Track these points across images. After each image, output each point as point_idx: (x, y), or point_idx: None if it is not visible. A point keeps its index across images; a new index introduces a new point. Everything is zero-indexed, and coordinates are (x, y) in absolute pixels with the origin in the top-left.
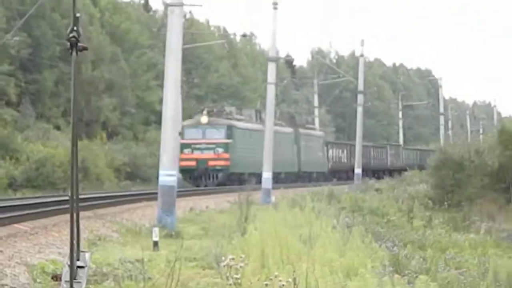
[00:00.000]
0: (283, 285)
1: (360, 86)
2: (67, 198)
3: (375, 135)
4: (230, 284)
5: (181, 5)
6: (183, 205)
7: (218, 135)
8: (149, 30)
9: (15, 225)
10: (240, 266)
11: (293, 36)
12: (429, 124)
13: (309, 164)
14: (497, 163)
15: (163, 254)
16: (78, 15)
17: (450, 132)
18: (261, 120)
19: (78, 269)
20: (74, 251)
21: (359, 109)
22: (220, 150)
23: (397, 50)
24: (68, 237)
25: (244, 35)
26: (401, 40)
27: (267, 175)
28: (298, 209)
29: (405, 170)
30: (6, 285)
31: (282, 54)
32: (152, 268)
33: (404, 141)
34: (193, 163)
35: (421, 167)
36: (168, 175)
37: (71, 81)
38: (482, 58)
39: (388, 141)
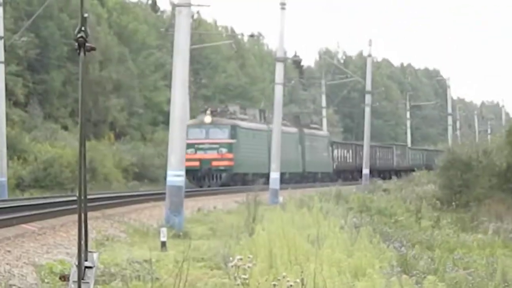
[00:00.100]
0: (291, 285)
1: (368, 86)
2: (75, 198)
3: (383, 135)
4: (238, 285)
5: (188, 5)
6: (191, 206)
7: (221, 135)
8: (157, 30)
9: (23, 225)
10: (248, 267)
11: (301, 36)
12: (437, 125)
13: (313, 164)
14: (505, 163)
15: (171, 254)
16: (86, 15)
17: (458, 132)
18: (265, 120)
19: (86, 269)
20: (82, 251)
21: (367, 109)
22: (224, 150)
23: (405, 50)
24: (76, 237)
25: (251, 35)
26: (409, 40)
27: (275, 176)
28: (306, 209)
29: (411, 170)
30: (14, 285)
31: (290, 54)
32: (160, 269)
33: (412, 141)
34: (197, 164)
35: (427, 168)
36: (176, 176)
37: (78, 81)
38: (490, 58)
39: (396, 141)
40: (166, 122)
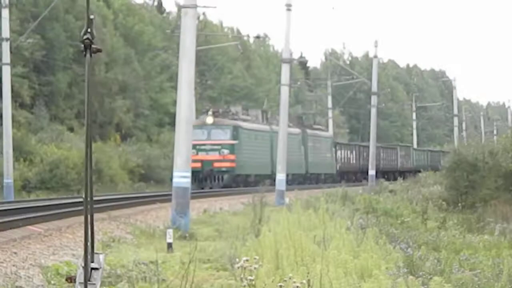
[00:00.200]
0: (297, 286)
1: (374, 88)
2: (81, 199)
3: (389, 136)
4: (244, 286)
5: (194, 6)
6: (197, 207)
7: (223, 136)
8: (163, 32)
9: (29, 227)
10: (254, 268)
11: (307, 37)
12: (442, 126)
13: (316, 165)
14: (511, 164)
15: (177, 255)
16: (92, 17)
17: (464, 133)
18: (268, 121)
19: (92, 270)
20: (88, 253)
21: (373, 111)
22: (226, 151)
23: (411, 51)
24: (82, 238)
25: (257, 37)
26: (415, 41)
27: (281, 177)
28: (312, 210)
29: (416, 171)
30: (21, 286)
31: (296, 56)
32: (166, 270)
33: (418, 143)
34: (198, 165)
35: (432, 169)
36: (182, 177)
37: (84, 83)
38: (497, 59)
39: (401, 142)
40: (172, 124)
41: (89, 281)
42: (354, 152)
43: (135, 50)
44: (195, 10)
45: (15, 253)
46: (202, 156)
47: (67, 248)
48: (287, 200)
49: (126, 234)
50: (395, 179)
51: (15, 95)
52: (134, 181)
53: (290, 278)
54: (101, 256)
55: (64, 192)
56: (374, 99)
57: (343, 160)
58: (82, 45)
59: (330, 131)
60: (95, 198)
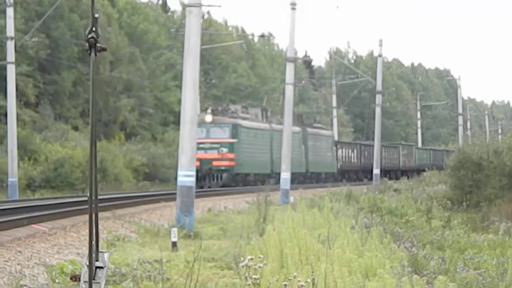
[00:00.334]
0: (302, 285)
1: (378, 86)
2: (85, 198)
3: (393, 135)
4: (249, 285)
5: (199, 5)
6: (201, 206)
7: (222, 134)
8: (167, 30)
9: (34, 225)
10: (259, 267)
11: (311, 36)
12: (447, 125)
13: (317, 164)
14: None
15: (181, 254)
16: (96, 15)
17: (468, 132)
18: (267, 119)
19: (97, 269)
20: (93, 252)
21: (377, 110)
22: (225, 149)
23: (416, 50)
24: (87, 237)
25: (262, 36)
26: (419, 40)
27: (285, 176)
28: (316, 209)
29: (418, 171)
30: (25, 285)
31: (300, 54)
32: (171, 269)
33: (422, 142)
34: (197, 163)
35: (435, 168)
36: (187, 176)
37: (89, 81)
38: (501, 57)
39: (406, 141)
40: (177, 122)
41: (93, 279)
42: (355, 151)
43: (139, 49)
44: (199, 9)
45: (19, 251)
46: (200, 154)
47: (71, 247)
48: (291, 199)
49: (130, 233)
50: (397, 178)
51: (19, 94)
52: (139, 180)
53: (294, 277)
54: (106, 255)
55: (69, 191)
56: (378, 98)
57: (344, 159)
58: (87, 44)
59: (335, 130)
60: (99, 197)
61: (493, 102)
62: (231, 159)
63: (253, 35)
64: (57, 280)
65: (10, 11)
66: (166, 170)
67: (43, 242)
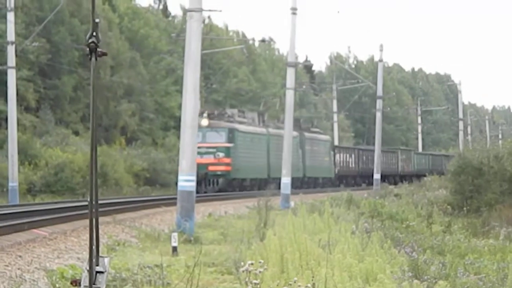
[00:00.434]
0: None
1: (379, 91)
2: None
3: (394, 140)
4: None
5: (200, 10)
6: (202, 210)
7: (219, 139)
8: (168, 35)
9: (34, 230)
10: (259, 271)
11: (312, 41)
12: (448, 130)
13: (314, 169)
14: None
15: (182, 259)
16: (97, 20)
17: (469, 137)
18: (264, 124)
19: (97, 274)
20: (93, 256)
21: (378, 114)
22: (221, 154)
23: (416, 55)
24: (87, 242)
25: (263, 40)
26: (420, 45)
27: (286, 180)
28: (317, 214)
29: (417, 176)
30: None
31: (301, 59)
32: (171, 274)
33: (423, 147)
34: None
35: (433, 173)
36: (187, 180)
37: (90, 86)
38: (502, 62)
39: (407, 146)
40: (177, 127)
41: (94, 284)
42: (353, 156)
43: (140, 53)
44: (200, 14)
45: (20, 256)
46: (196, 159)
47: (72, 252)
48: (292, 203)
49: (131, 238)
50: (395, 183)
51: (20, 98)
52: (139, 185)
53: (295, 282)
54: (106, 260)
55: (69, 196)
56: (379, 103)
57: (341, 164)
58: (88, 49)
59: (335, 135)
60: (100, 202)
61: (494, 107)
62: (227, 164)
63: (253, 40)
64: (57, 285)
65: (10, 16)
66: (167, 175)
67: (44, 247)
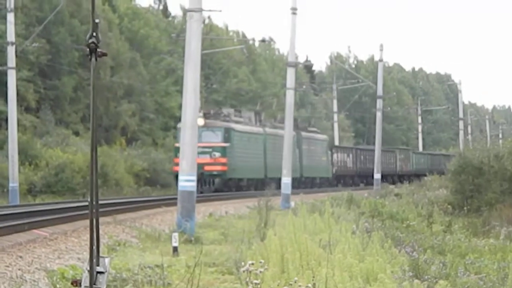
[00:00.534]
0: None
1: (379, 91)
2: (86, 203)
3: (394, 140)
4: None
5: (200, 10)
6: (202, 211)
7: (215, 138)
8: (168, 35)
9: (35, 230)
10: (260, 271)
11: (312, 41)
12: (448, 129)
13: (311, 169)
14: None
15: (182, 259)
16: (97, 21)
17: (469, 137)
18: (261, 123)
19: (98, 274)
20: (94, 257)
21: (378, 114)
22: (217, 154)
23: (416, 55)
24: (88, 242)
25: (263, 40)
26: (420, 45)
27: (286, 180)
28: (317, 214)
29: (416, 175)
30: None
31: (301, 59)
32: (172, 274)
33: (423, 146)
34: None
35: (432, 173)
36: (188, 180)
37: (90, 86)
38: (502, 62)
39: (407, 146)
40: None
41: (94, 284)
42: (350, 156)
43: (140, 54)
44: (200, 14)
45: (20, 257)
46: None
47: (72, 252)
48: (292, 204)
49: (131, 238)
50: (393, 183)
51: (20, 99)
52: (140, 185)
53: (295, 282)
54: (107, 260)
55: (70, 196)
56: (379, 103)
57: (339, 164)
58: (88, 49)
59: (336, 135)
60: (100, 202)
61: (494, 107)
62: (223, 164)
63: (254, 40)
64: (58, 285)
65: (10, 17)
66: (167, 175)
67: (44, 247)
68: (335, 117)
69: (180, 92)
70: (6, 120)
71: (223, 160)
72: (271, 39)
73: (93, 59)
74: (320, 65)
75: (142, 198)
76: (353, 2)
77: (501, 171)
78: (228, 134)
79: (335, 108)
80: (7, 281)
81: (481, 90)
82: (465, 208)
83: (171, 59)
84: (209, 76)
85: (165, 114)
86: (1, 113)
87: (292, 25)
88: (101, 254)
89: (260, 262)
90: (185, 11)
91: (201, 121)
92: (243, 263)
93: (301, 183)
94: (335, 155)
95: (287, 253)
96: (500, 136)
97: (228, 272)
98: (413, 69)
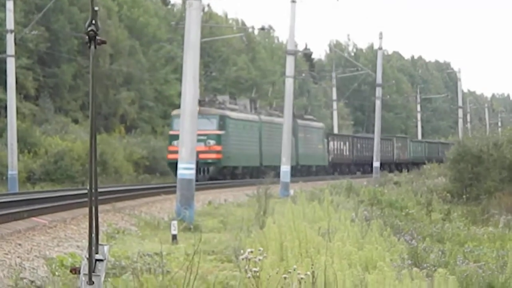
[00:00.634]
0: (301, 278)
1: (379, 79)
2: (85, 191)
3: (394, 128)
4: (249, 277)
5: None
6: (201, 198)
7: (209, 126)
8: (168, 23)
9: (34, 218)
10: (259, 259)
11: (311, 29)
12: (447, 117)
13: (307, 157)
14: None
15: (181, 247)
16: (96, 8)
17: (468, 125)
18: (256, 110)
19: (97, 262)
20: (93, 244)
21: (377, 102)
22: (212, 142)
23: (416, 43)
24: (87, 230)
25: (262, 28)
26: (419, 33)
27: (285, 169)
28: (316, 202)
29: (413, 164)
30: (25, 278)
31: (300, 47)
32: (171, 262)
33: (422, 134)
34: None
35: (430, 161)
36: (187, 168)
37: (89, 74)
38: (501, 50)
39: (406, 134)
40: None
41: (93, 272)
42: (347, 144)
43: (139, 42)
44: (199, 2)
45: (19, 244)
46: None
47: (71, 240)
48: (291, 192)
49: (130, 226)
50: (391, 171)
51: (19, 87)
52: (139, 173)
53: (294, 270)
54: (106, 248)
55: (69, 184)
56: (378, 91)
57: (335, 152)
58: (87, 37)
59: (335, 123)
60: (99, 190)
61: (493, 95)
62: (218, 152)
63: (253, 28)
64: (57, 273)
65: (10, 4)
66: (166, 163)
67: (43, 235)
68: (334, 105)
69: (180, 80)
70: (5, 108)
71: (218, 148)
72: (271, 27)
73: (92, 46)
74: (319, 53)
75: (141, 186)
76: None
77: (500, 159)
78: (223, 122)
79: (334, 96)
80: (6, 269)
81: (481, 78)
82: (464, 196)
83: (170, 47)
84: (208, 64)
85: (164, 102)
86: (0, 101)
87: (292, 13)
88: (100, 242)
89: (259, 250)
90: None
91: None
92: (242, 251)
93: (297, 171)
94: (331, 143)
95: (286, 241)
96: (499, 124)
97: (227, 260)
98: (412, 57)
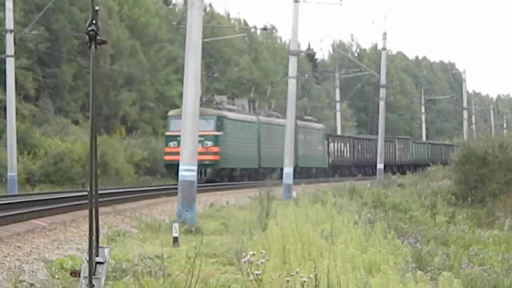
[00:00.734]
0: (304, 281)
1: (382, 80)
2: (85, 193)
3: (398, 129)
4: (251, 280)
5: None
6: (203, 201)
7: (207, 127)
8: (169, 23)
9: (33, 220)
10: (261, 262)
11: (315, 29)
12: (452, 119)
13: (307, 159)
14: None
15: (183, 250)
16: (97, 8)
17: (473, 126)
18: (255, 111)
19: (97, 265)
20: (93, 247)
21: (381, 103)
22: (209, 143)
23: (420, 43)
24: (87, 232)
25: (264, 28)
26: (424, 33)
27: (288, 170)
28: (319, 204)
29: (415, 166)
30: (24, 281)
31: (303, 48)
32: (172, 264)
33: (427, 136)
34: (179, 158)
35: (433, 163)
36: (188, 170)
37: (89, 75)
38: (507, 51)
39: (410, 135)
40: None
41: (93, 275)
42: (348, 145)
43: (140, 42)
44: (201, 2)
45: (19, 247)
46: None
47: (71, 242)
48: (294, 194)
49: (131, 228)
50: (393, 173)
51: (19, 87)
52: (140, 175)
53: (297, 273)
54: (106, 250)
55: (69, 186)
56: (382, 92)
57: (336, 153)
58: (87, 37)
59: (338, 124)
60: (100, 192)
61: (499, 96)
62: (215, 153)
63: (255, 28)
64: (56, 276)
65: (9, 4)
66: None
67: (43, 237)
68: (338, 106)
69: (181, 80)
70: (5, 108)
71: (216, 149)
72: (273, 27)
73: (93, 47)
74: (322, 53)
75: (142, 187)
76: None
77: (505, 161)
78: (220, 122)
79: (337, 97)
80: (5, 272)
81: (486, 79)
82: (469, 198)
83: (171, 48)
84: (210, 65)
85: (165, 103)
86: (0, 101)
87: (294, 13)
88: (100, 244)
89: (262, 253)
90: None
91: None
92: (244, 254)
93: (297, 173)
94: (331, 145)
95: (289, 243)
96: (505, 125)
97: (229, 263)
98: (417, 57)
